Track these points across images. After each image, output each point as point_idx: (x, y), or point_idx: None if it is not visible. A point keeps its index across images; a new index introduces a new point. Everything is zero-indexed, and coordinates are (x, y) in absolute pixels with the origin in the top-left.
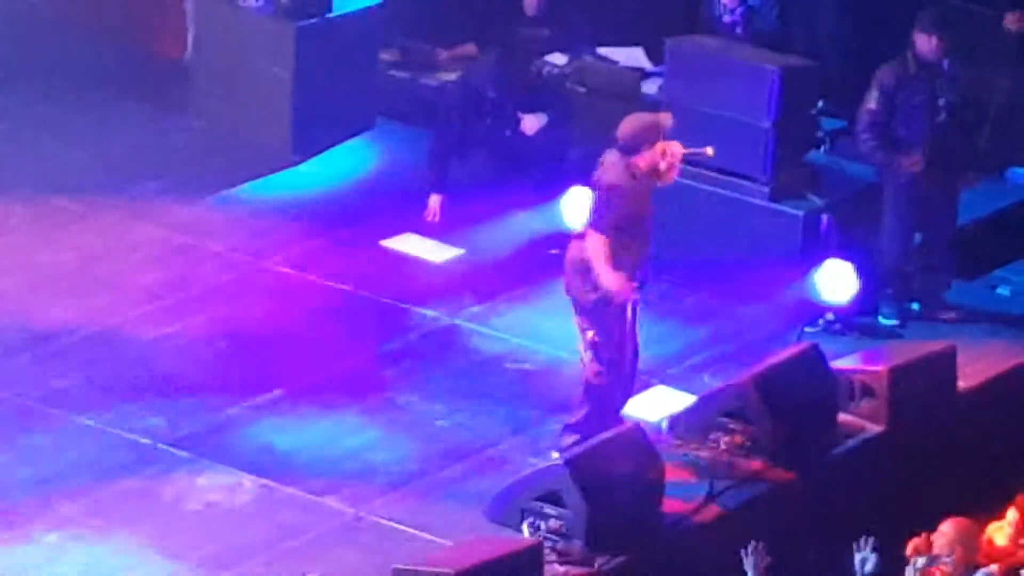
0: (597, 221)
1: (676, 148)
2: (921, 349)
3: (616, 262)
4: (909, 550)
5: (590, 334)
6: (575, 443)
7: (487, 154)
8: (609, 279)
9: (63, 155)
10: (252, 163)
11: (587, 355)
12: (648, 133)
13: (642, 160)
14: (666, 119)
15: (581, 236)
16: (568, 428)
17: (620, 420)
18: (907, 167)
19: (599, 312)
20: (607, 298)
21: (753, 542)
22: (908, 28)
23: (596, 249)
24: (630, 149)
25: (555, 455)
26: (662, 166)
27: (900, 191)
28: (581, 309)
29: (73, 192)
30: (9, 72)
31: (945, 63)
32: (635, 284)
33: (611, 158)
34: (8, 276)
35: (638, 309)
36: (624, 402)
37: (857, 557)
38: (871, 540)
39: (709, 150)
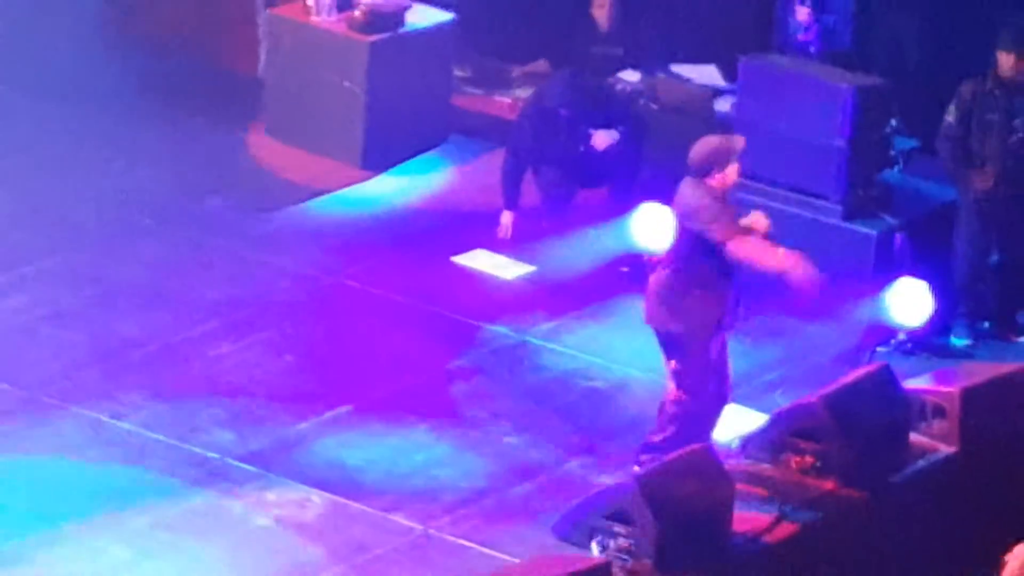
0: (710, 243)
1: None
2: (994, 370)
3: (709, 290)
4: None
5: (672, 363)
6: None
7: (559, 171)
8: (786, 261)
9: (134, 170)
10: (323, 178)
11: (670, 383)
12: (719, 155)
13: (715, 182)
14: (738, 141)
15: (662, 264)
16: (647, 447)
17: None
18: (977, 184)
19: (681, 343)
20: (692, 331)
21: None
22: (988, 47)
23: (749, 252)
24: (703, 172)
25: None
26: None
27: (972, 208)
28: (663, 339)
29: (143, 207)
30: (82, 87)
31: None
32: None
33: (686, 185)
34: (78, 291)
35: (728, 339)
36: (708, 431)
37: None
38: None
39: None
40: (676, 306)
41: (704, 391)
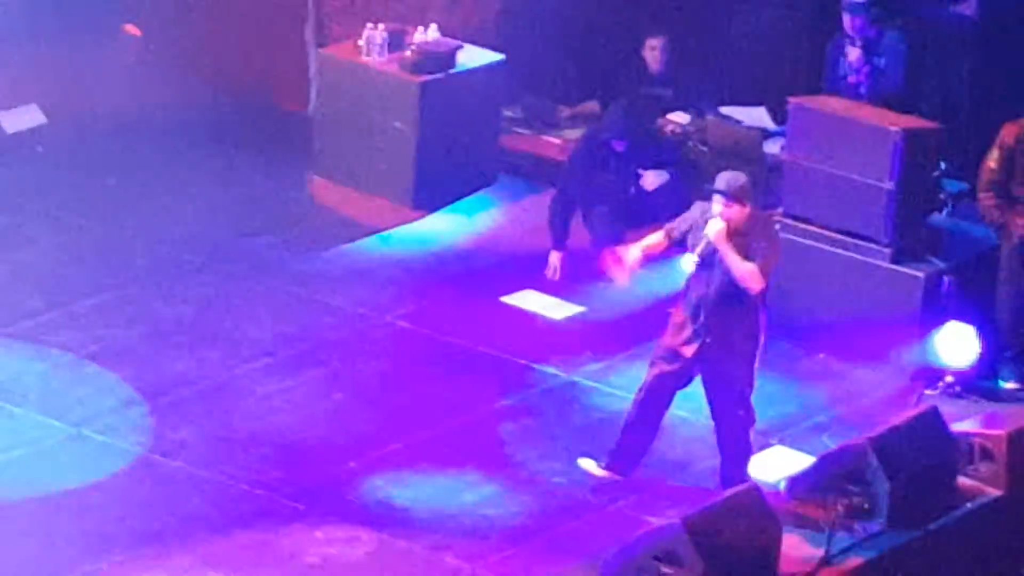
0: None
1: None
2: None
3: None
4: None
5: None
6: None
7: (608, 212)
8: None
9: (184, 207)
10: (373, 217)
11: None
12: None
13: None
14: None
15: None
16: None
17: None
18: (1019, 227)
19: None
20: None
21: None
22: None
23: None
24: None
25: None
26: None
27: (1014, 252)
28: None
29: (193, 244)
30: (132, 124)
31: None
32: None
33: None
34: (126, 328)
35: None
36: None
37: None
38: None
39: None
40: None
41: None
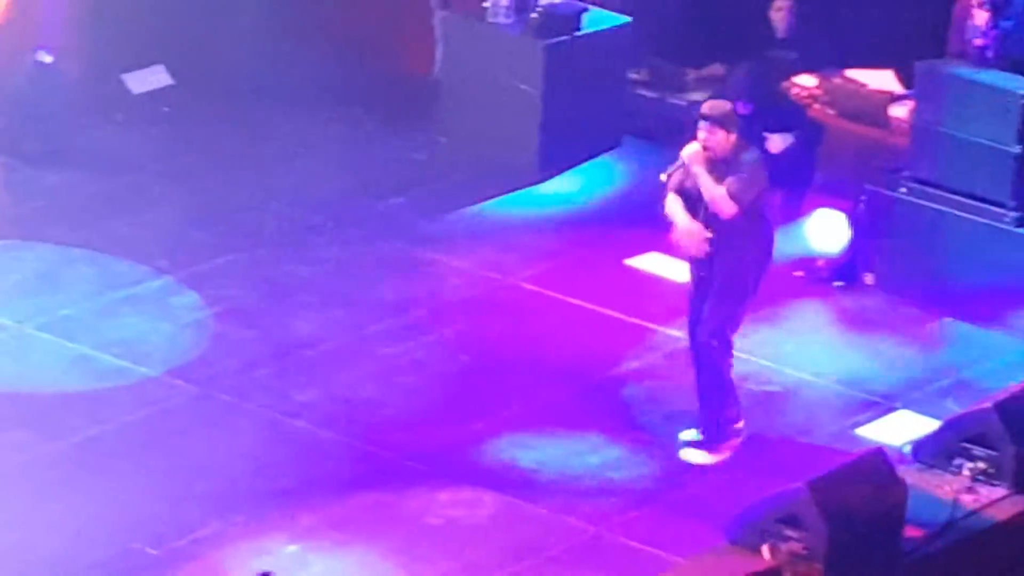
0: None
1: None
2: None
3: None
4: None
5: None
6: None
7: None
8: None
9: (311, 170)
10: (498, 180)
11: None
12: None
13: None
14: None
15: None
16: None
17: None
18: None
19: None
20: None
21: None
22: None
23: None
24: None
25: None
26: None
27: None
28: None
29: (320, 207)
30: (260, 88)
31: None
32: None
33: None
34: (253, 289)
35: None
36: None
37: None
38: None
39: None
40: None
41: None
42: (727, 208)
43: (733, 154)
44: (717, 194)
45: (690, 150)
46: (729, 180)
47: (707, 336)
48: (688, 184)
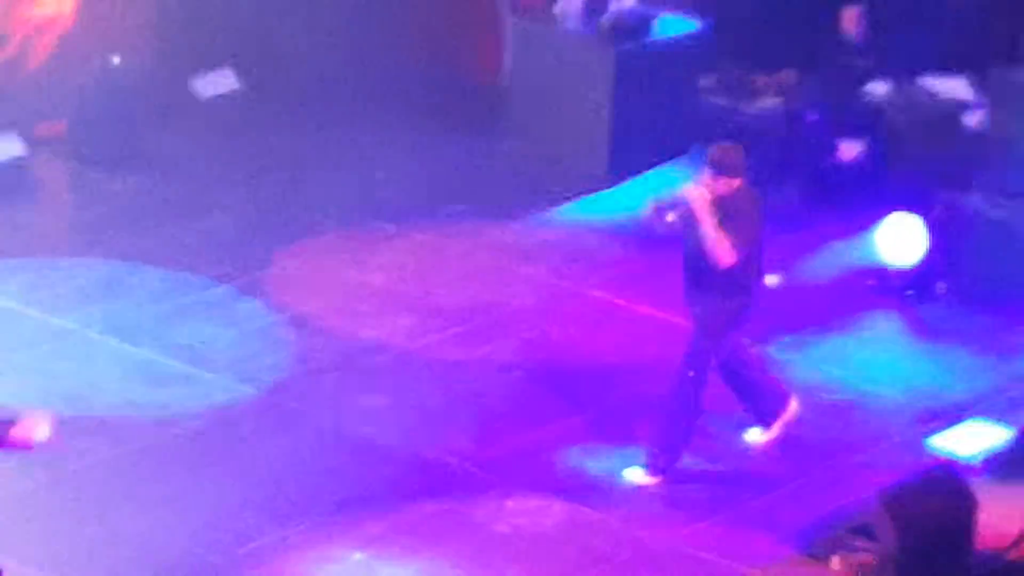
0: None
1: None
2: None
3: None
4: None
5: None
6: None
7: (803, 181)
8: None
9: (378, 177)
10: (567, 185)
11: None
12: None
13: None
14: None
15: None
16: None
17: None
18: None
19: None
20: None
21: None
22: None
23: None
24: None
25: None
26: None
27: None
28: None
29: (386, 213)
30: (327, 94)
31: None
32: None
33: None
34: (319, 295)
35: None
36: None
37: None
38: None
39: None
40: None
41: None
42: (726, 258)
43: (732, 200)
44: (721, 243)
45: (697, 193)
46: (730, 232)
47: (685, 359)
48: (676, 215)
